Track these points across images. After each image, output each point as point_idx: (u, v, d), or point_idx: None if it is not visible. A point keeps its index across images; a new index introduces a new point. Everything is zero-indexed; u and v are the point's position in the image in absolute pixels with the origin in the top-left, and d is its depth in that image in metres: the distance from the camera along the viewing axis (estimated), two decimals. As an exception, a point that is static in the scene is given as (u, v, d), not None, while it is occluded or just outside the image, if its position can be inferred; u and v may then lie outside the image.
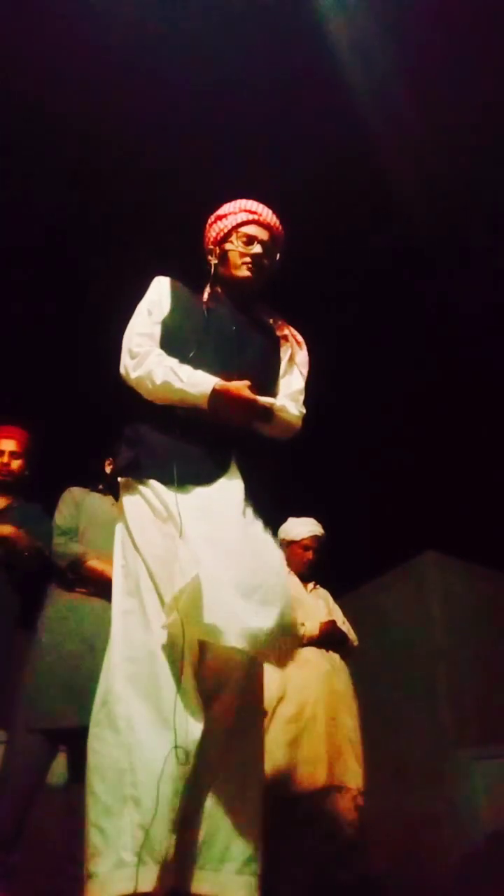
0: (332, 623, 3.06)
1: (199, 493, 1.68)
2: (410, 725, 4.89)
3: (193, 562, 1.53)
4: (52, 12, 3.13)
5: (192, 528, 1.61)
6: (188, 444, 1.72)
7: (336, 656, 3.05)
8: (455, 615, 5.23)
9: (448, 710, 4.81)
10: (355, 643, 3.16)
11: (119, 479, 1.80)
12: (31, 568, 2.59)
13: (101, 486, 2.75)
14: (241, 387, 1.73)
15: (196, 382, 1.73)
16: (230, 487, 1.71)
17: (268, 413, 1.80)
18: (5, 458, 2.77)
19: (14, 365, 4.29)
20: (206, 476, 1.71)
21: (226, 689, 1.63)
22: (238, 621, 1.51)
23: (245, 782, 1.62)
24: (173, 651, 1.52)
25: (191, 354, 1.78)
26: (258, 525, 1.72)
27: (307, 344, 2.04)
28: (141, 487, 1.72)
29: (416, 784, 4.56)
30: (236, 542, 1.63)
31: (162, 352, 1.80)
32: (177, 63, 3.31)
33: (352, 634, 3.17)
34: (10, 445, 2.80)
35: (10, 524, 2.62)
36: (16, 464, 2.79)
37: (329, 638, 3.01)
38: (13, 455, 2.79)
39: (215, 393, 1.71)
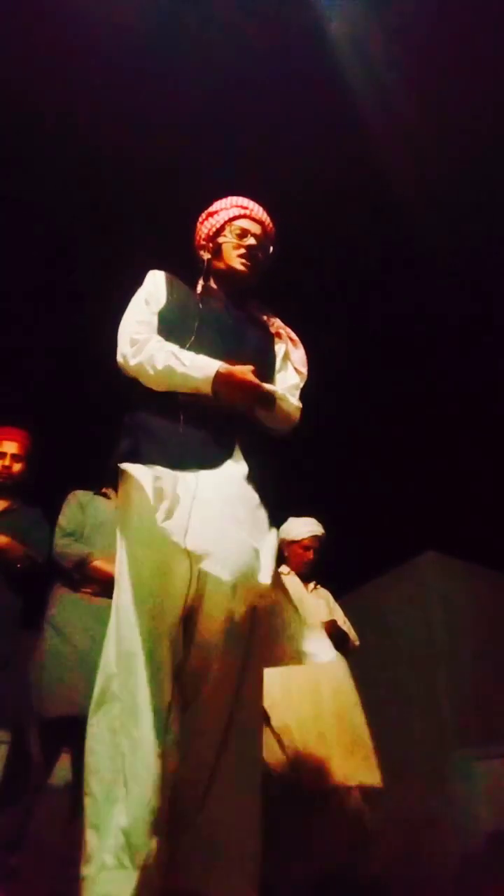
0: (333, 623, 3.06)
1: (204, 477, 1.66)
2: (410, 725, 4.89)
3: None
4: (55, 13, 3.12)
5: (196, 511, 1.59)
6: (192, 430, 1.70)
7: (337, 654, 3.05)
8: (455, 615, 5.23)
9: (448, 710, 4.81)
10: (356, 643, 3.16)
11: (119, 466, 1.75)
12: (22, 575, 2.59)
13: (104, 490, 2.75)
14: (245, 370, 1.72)
15: (199, 366, 1.71)
16: (235, 473, 1.70)
17: (270, 399, 1.79)
18: (7, 461, 2.75)
19: (14, 366, 4.29)
20: (211, 461, 1.69)
21: (214, 686, 1.62)
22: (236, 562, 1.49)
23: (244, 781, 1.62)
24: (158, 647, 1.52)
25: (188, 344, 1.77)
26: (263, 512, 1.72)
27: (308, 343, 2.03)
28: (144, 473, 1.66)
29: (416, 784, 4.55)
30: (241, 525, 1.62)
31: (161, 338, 1.79)
32: (177, 62, 3.31)
33: (352, 634, 3.17)
34: (11, 448, 2.78)
35: (6, 529, 2.61)
36: (17, 466, 2.77)
37: (330, 638, 3.01)
38: (14, 458, 2.77)
39: (219, 376, 1.70)
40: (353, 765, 2.75)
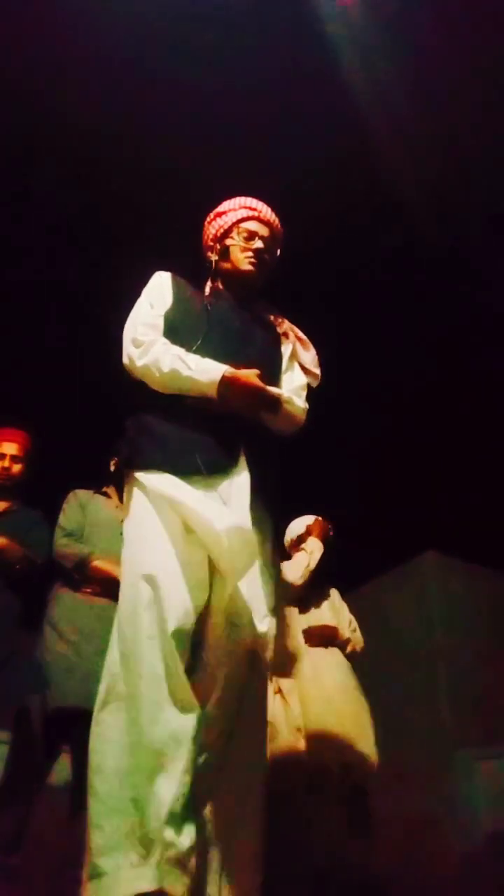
0: (328, 628, 3.03)
1: (209, 484, 1.66)
2: (410, 725, 4.89)
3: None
4: (54, 11, 3.12)
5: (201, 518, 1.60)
6: (197, 434, 1.70)
7: (338, 653, 3.04)
8: (455, 615, 5.24)
9: (448, 710, 4.82)
10: (357, 647, 3.13)
11: (126, 470, 1.75)
12: (21, 576, 2.60)
13: (104, 489, 2.75)
14: (250, 375, 1.71)
15: (205, 369, 1.71)
16: (239, 480, 1.69)
17: (276, 403, 1.78)
18: (6, 462, 2.76)
19: (15, 367, 4.29)
20: (217, 467, 1.68)
21: (219, 688, 1.62)
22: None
23: (247, 782, 1.62)
24: (169, 648, 1.51)
25: (194, 347, 1.76)
26: (266, 523, 1.72)
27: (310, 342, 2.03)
28: (150, 477, 1.67)
29: (416, 784, 4.55)
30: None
31: (167, 341, 1.78)
32: (178, 62, 3.31)
33: (356, 638, 3.14)
34: (11, 449, 2.79)
35: (6, 530, 2.62)
36: (17, 468, 2.78)
37: (322, 641, 3.00)
38: (14, 459, 2.78)
39: (225, 380, 1.69)
40: (354, 755, 2.76)
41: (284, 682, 2.78)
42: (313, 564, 3.04)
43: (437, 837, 4.24)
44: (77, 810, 2.11)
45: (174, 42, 3.26)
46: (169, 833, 1.39)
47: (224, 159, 3.53)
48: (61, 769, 2.49)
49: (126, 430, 1.80)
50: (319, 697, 2.77)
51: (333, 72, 3.29)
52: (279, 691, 2.77)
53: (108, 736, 1.51)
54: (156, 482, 1.66)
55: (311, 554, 3.07)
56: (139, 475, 1.69)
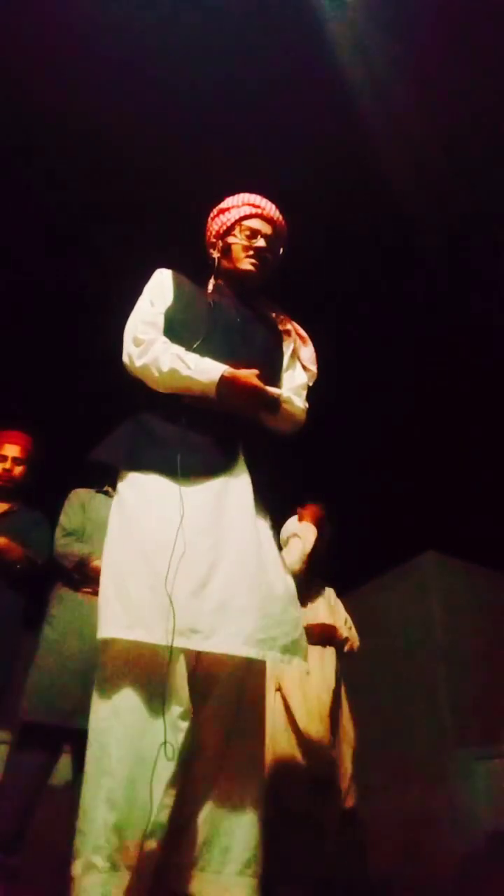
0: (325, 627, 3.03)
1: (206, 485, 1.65)
2: (410, 725, 4.89)
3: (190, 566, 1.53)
4: (55, 12, 3.12)
5: (196, 522, 1.59)
6: (195, 434, 1.69)
7: (331, 653, 3.03)
8: (455, 615, 5.23)
9: (448, 710, 4.81)
10: (355, 646, 3.13)
11: (120, 470, 1.74)
12: (22, 576, 2.60)
13: (106, 488, 2.75)
14: (249, 375, 1.70)
15: (204, 369, 1.70)
16: (237, 480, 1.68)
17: (275, 403, 1.77)
18: (8, 464, 2.78)
19: (16, 368, 4.29)
20: (214, 467, 1.67)
21: (217, 687, 1.61)
22: (226, 624, 1.51)
23: (245, 783, 1.61)
24: (162, 650, 1.50)
25: (195, 345, 1.75)
26: (264, 522, 1.72)
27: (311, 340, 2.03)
28: (143, 479, 1.67)
29: (416, 784, 4.55)
30: (242, 539, 1.62)
31: (167, 339, 1.77)
32: (179, 62, 3.31)
33: (353, 636, 3.14)
34: (13, 451, 2.81)
35: (6, 531, 2.62)
36: (18, 470, 2.80)
37: (321, 640, 2.99)
38: (16, 461, 2.80)
39: (223, 380, 1.68)
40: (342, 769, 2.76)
41: (285, 681, 2.77)
42: (308, 547, 2.99)
43: (437, 837, 4.24)
44: (76, 810, 2.11)
45: (175, 41, 3.26)
46: (142, 842, 1.38)
47: (225, 158, 3.53)
48: (61, 769, 2.49)
49: (123, 430, 1.79)
50: (304, 706, 2.76)
51: (334, 72, 3.30)
52: (279, 689, 2.77)
53: (92, 738, 1.51)
54: (149, 486, 1.65)
55: (304, 539, 3.04)
56: (133, 475, 1.69)
